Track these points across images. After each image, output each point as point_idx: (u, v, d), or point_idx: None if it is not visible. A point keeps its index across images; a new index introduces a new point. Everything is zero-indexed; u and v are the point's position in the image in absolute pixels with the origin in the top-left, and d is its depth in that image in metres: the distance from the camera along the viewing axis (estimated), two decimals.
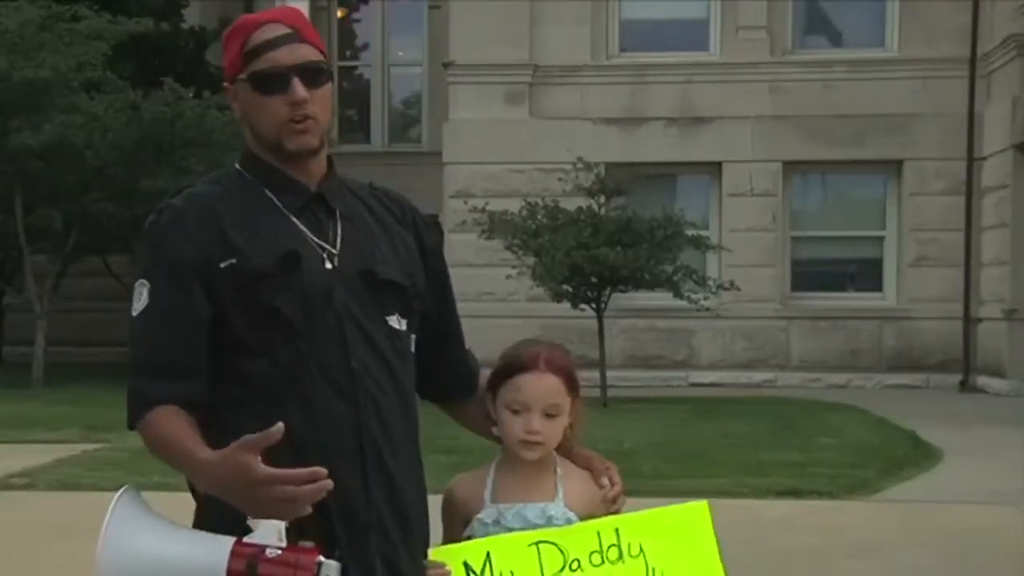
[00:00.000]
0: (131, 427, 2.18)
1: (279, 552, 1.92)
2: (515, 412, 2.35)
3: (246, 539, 1.94)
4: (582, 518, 2.37)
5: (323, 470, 1.95)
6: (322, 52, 2.26)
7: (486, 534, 2.35)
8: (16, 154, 15.81)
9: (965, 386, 16.30)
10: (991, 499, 8.10)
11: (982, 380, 16.11)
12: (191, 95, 16.26)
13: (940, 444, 10.42)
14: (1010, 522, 7.43)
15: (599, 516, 2.40)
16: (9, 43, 15.62)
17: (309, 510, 1.95)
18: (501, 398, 2.37)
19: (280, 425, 1.94)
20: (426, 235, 2.41)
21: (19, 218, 16.49)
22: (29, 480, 8.88)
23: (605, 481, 2.41)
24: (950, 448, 10.26)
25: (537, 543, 2.29)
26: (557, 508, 2.36)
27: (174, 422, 2.10)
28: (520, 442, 2.35)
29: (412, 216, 2.41)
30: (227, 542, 1.94)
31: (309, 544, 1.95)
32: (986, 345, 16.28)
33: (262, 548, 1.92)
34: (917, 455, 9.99)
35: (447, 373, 2.46)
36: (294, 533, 1.96)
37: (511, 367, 2.37)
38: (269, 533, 1.94)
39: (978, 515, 7.64)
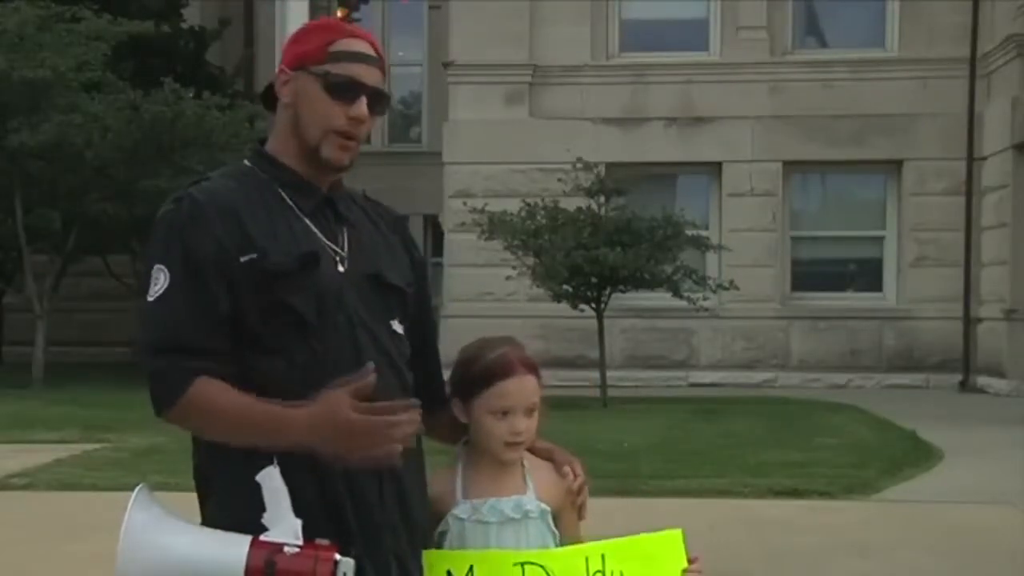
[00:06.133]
0: (168, 405, 2.11)
1: (297, 549, 1.94)
2: (499, 416, 2.38)
3: (263, 537, 1.96)
4: (553, 509, 2.42)
5: (416, 400, 2.07)
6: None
7: (461, 529, 2.38)
8: (16, 154, 15.82)
9: (965, 386, 16.30)
10: (991, 499, 8.09)
11: (982, 380, 16.11)
12: (191, 95, 16.28)
13: (940, 444, 10.41)
14: (1010, 522, 7.43)
15: (567, 508, 2.44)
16: (9, 43, 15.63)
17: (400, 450, 2.02)
18: (482, 405, 2.39)
19: (371, 365, 2.05)
20: (412, 247, 2.46)
21: (19, 218, 16.50)
22: (29, 480, 8.86)
23: (567, 470, 2.46)
24: (950, 448, 10.25)
25: (523, 563, 2.29)
26: (530, 501, 2.41)
27: (228, 390, 2.09)
28: (506, 444, 2.39)
29: (401, 227, 2.47)
30: (245, 539, 1.95)
31: (325, 542, 1.96)
32: (986, 345, 16.28)
33: (280, 545, 1.94)
34: (917, 455, 9.97)
35: (422, 385, 2.44)
36: (310, 532, 1.97)
37: (491, 374, 2.39)
38: (286, 531, 1.96)
39: (978, 515, 7.64)
